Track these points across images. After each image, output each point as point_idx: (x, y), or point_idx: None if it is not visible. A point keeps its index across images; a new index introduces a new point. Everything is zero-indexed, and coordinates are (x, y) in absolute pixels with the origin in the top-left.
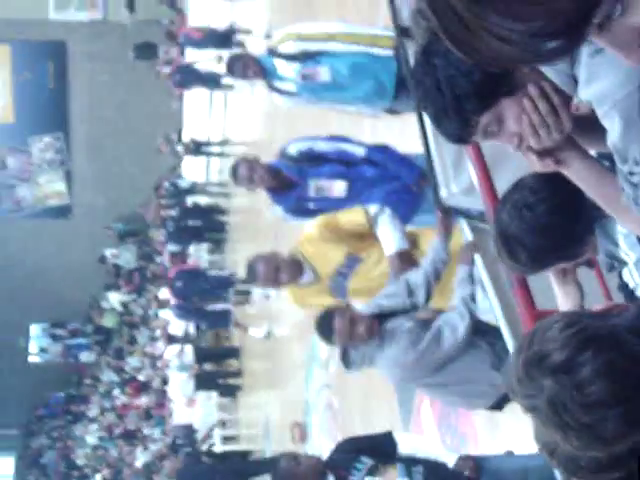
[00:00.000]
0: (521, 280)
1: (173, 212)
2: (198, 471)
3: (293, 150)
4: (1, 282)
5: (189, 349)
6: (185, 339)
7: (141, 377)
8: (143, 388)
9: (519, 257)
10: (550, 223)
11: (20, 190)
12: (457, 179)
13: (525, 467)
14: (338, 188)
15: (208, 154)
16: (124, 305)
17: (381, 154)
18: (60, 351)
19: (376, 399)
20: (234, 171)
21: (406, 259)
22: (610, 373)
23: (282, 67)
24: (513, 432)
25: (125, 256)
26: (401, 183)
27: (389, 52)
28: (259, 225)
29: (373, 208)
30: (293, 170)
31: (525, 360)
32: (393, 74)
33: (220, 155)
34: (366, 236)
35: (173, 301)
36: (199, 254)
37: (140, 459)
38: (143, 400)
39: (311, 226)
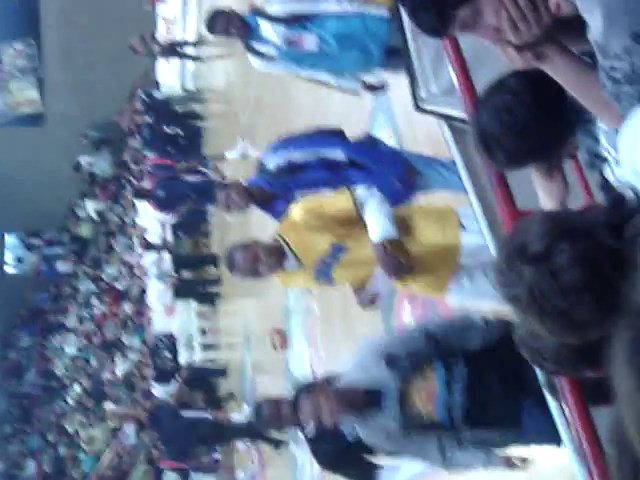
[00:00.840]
0: (501, 179)
1: (148, 118)
2: (177, 427)
3: (271, 165)
4: None
5: (167, 257)
6: (163, 246)
7: (119, 286)
8: (121, 297)
9: (497, 157)
10: (530, 126)
11: None
12: (437, 80)
13: None
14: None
15: (183, 55)
16: (100, 214)
17: (362, 153)
18: (36, 261)
19: (357, 304)
20: (222, 190)
21: (394, 248)
22: (584, 261)
23: (266, 28)
24: None
25: (100, 164)
26: (389, 182)
27: (383, 12)
28: (234, 130)
29: (361, 191)
30: (276, 186)
31: (506, 252)
32: (383, 42)
33: (195, 59)
34: (353, 221)
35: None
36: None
37: (120, 368)
38: (122, 309)
39: (294, 212)
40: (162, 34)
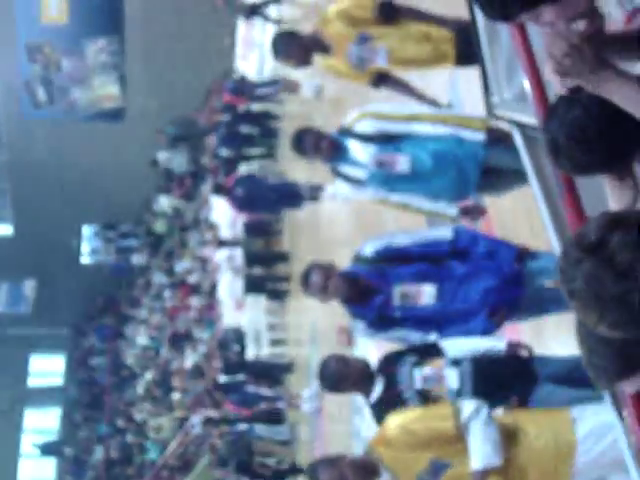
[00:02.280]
0: (570, 185)
1: (225, 117)
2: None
3: (369, 251)
4: (55, 184)
5: (239, 253)
6: (235, 243)
7: (191, 280)
8: (193, 291)
9: (566, 166)
10: (599, 142)
11: (74, 92)
12: (510, 86)
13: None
14: (427, 293)
15: (265, 17)
16: (175, 209)
17: (469, 238)
18: (111, 253)
19: None
20: (305, 278)
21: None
22: (637, 245)
23: (356, 149)
24: (557, 341)
25: (177, 160)
26: (497, 276)
27: (479, 136)
28: None
29: (467, 408)
30: (373, 274)
31: (565, 246)
32: (479, 163)
33: (277, 21)
34: (453, 439)
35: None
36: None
37: (189, 360)
38: (193, 302)
39: (389, 428)
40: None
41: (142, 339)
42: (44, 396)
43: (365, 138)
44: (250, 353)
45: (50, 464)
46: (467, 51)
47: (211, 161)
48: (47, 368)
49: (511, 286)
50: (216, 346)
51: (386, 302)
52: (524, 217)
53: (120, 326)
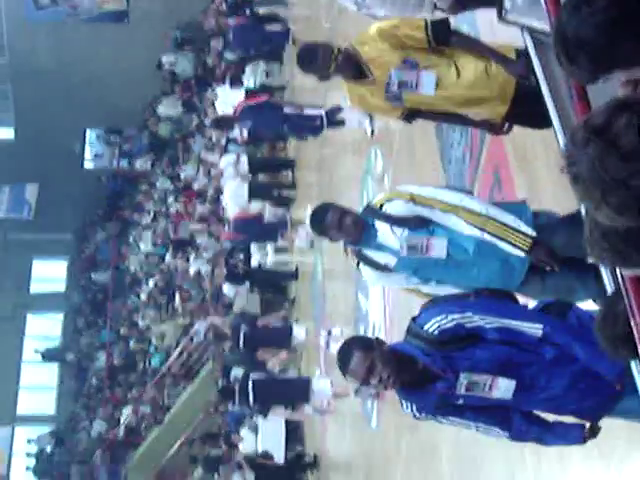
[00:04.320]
0: (581, 92)
1: (231, 21)
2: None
3: (434, 327)
4: (58, 87)
5: (244, 159)
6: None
7: (195, 186)
8: (197, 196)
9: (579, 60)
10: (610, 17)
11: None
12: None
13: None
14: (503, 388)
15: None
16: (179, 113)
17: (566, 336)
18: (115, 157)
19: None
20: (342, 358)
21: None
22: None
23: (384, 232)
24: None
25: (182, 64)
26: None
27: (519, 253)
28: (317, 34)
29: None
30: (435, 359)
31: (572, 129)
32: (524, 265)
33: None
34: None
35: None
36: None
37: (193, 267)
38: (197, 209)
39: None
40: None
41: (146, 245)
42: (46, 302)
43: (396, 220)
44: (254, 260)
45: (52, 370)
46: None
47: (217, 64)
48: (49, 274)
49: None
50: (221, 253)
51: (448, 390)
52: (541, 149)
53: (123, 231)
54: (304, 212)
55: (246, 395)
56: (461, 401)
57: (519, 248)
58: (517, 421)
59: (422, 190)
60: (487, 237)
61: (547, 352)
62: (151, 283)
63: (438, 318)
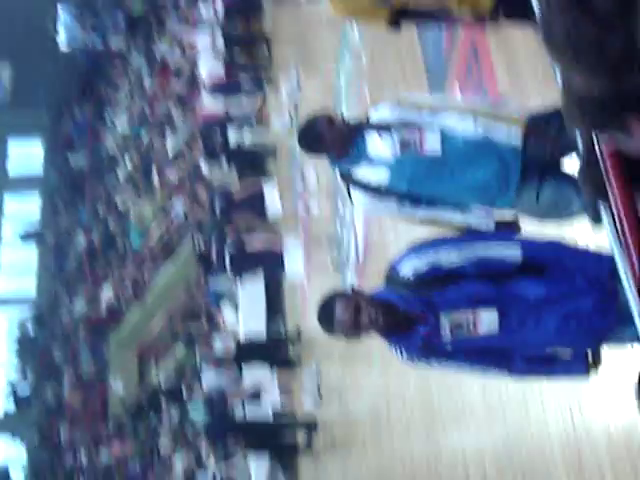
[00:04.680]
0: None
1: None
2: None
3: (407, 272)
4: None
5: (219, 34)
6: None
7: (171, 64)
8: (173, 74)
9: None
10: None
11: None
12: None
13: None
14: (486, 321)
15: None
16: None
17: (547, 251)
18: (90, 36)
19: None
20: (327, 314)
21: None
22: None
23: (374, 142)
24: None
25: None
26: (581, 300)
27: (515, 131)
28: None
29: None
30: (413, 303)
31: None
32: (518, 160)
33: None
34: None
35: None
36: None
37: (170, 145)
38: (173, 85)
39: None
40: None
41: (122, 125)
42: (24, 183)
43: (384, 127)
44: (232, 140)
45: (32, 251)
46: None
47: None
48: (27, 155)
49: (600, 314)
50: (198, 133)
51: (432, 333)
52: (532, 58)
53: (99, 111)
54: (281, 91)
55: (223, 262)
56: (449, 347)
57: (514, 125)
58: (516, 359)
59: (409, 95)
60: (480, 122)
61: (528, 289)
62: (129, 163)
63: (412, 262)
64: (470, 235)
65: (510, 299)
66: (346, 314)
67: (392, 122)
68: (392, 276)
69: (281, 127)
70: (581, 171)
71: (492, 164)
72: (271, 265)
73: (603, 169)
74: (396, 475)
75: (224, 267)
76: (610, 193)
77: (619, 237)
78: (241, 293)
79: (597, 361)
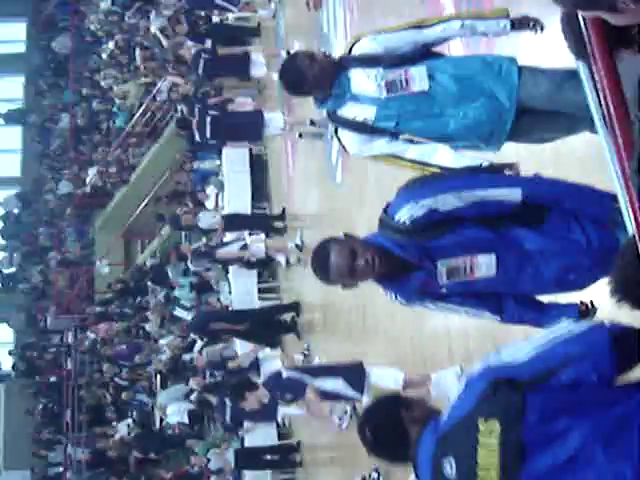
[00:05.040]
0: None
1: None
2: None
3: (404, 218)
4: None
5: None
6: None
7: None
8: None
9: None
10: None
11: None
12: None
13: None
14: (483, 266)
15: None
16: None
17: (549, 193)
18: None
19: None
20: (319, 259)
21: None
22: None
23: (358, 78)
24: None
25: None
26: (580, 255)
27: (503, 22)
28: None
29: None
30: (410, 250)
31: None
32: (513, 90)
33: None
34: None
35: None
36: None
37: (153, 25)
38: None
39: None
40: None
41: (105, 2)
42: (7, 64)
43: (367, 60)
44: (215, 18)
45: (16, 133)
46: None
47: None
48: (9, 36)
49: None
50: (181, 11)
51: (429, 279)
52: None
53: None
54: None
55: (203, 127)
56: (444, 290)
57: (501, 18)
58: (509, 305)
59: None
60: (467, 24)
61: (527, 238)
62: (112, 43)
63: (408, 206)
64: (468, 177)
65: (508, 245)
66: (341, 259)
67: (376, 55)
68: (386, 221)
69: (266, 13)
70: (562, 21)
71: (482, 101)
72: (250, 129)
73: (585, 32)
74: (379, 349)
75: (205, 131)
76: (591, 56)
77: (599, 101)
78: (226, 170)
79: (590, 308)
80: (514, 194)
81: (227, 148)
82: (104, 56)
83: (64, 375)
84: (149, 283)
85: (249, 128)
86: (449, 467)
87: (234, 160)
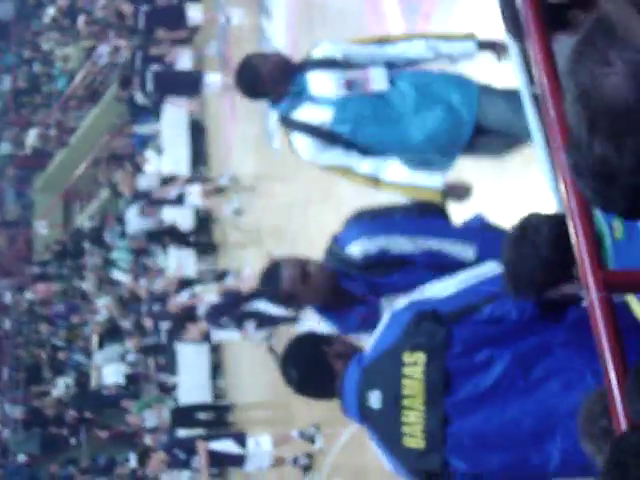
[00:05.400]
0: None
1: None
2: None
3: (356, 252)
4: None
5: None
6: None
7: None
8: None
9: None
10: None
11: None
12: None
13: None
14: None
15: None
16: None
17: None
18: None
19: None
20: (269, 279)
21: None
22: None
23: (317, 81)
24: None
25: None
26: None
27: (469, 45)
28: None
29: None
30: (358, 284)
31: None
32: (474, 99)
33: None
34: None
35: None
36: None
37: None
38: None
39: None
40: None
41: None
42: None
43: (329, 64)
44: None
45: None
46: None
47: None
48: None
49: None
50: None
51: (370, 315)
52: None
53: None
54: None
55: (144, 83)
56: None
57: (466, 39)
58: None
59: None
60: (432, 44)
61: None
62: (54, 7)
63: (360, 241)
64: (424, 222)
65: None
66: (291, 281)
67: (337, 59)
68: (336, 252)
69: None
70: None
71: (440, 111)
72: (189, 86)
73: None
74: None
75: (145, 89)
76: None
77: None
78: (164, 134)
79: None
80: (467, 252)
81: (166, 112)
82: (46, 20)
83: (1, 334)
84: (87, 245)
85: (189, 84)
86: (374, 398)
87: (173, 124)
